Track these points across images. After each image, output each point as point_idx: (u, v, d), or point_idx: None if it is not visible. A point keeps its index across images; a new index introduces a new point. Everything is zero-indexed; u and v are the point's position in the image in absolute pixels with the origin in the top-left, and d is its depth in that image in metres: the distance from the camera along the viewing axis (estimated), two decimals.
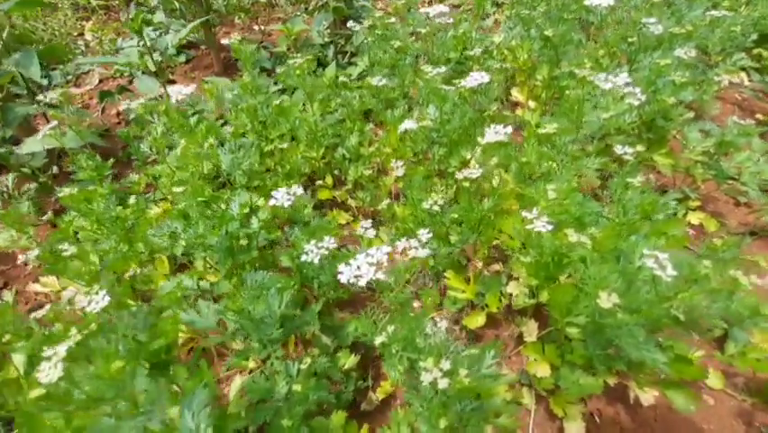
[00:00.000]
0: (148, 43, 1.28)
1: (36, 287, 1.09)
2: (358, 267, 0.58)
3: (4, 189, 1.17)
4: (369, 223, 0.71)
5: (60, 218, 0.95)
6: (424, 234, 0.57)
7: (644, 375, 0.73)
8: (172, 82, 2.32)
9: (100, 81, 2.67)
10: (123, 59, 1.39)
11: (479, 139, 0.76)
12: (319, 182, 1.34)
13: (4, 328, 0.65)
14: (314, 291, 0.85)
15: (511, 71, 1.63)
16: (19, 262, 1.17)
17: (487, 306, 0.81)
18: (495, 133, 0.76)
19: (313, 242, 0.71)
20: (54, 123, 0.97)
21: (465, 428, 0.60)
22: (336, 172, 1.37)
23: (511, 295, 0.84)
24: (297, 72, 1.12)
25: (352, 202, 1.30)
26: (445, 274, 0.81)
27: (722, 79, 1.16)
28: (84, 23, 3.54)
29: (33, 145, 1.18)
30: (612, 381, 0.73)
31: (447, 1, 2.61)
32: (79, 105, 2.29)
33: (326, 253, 0.70)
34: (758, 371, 0.82)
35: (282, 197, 0.71)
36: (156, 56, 2.17)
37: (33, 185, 1.39)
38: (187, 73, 2.43)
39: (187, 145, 1.07)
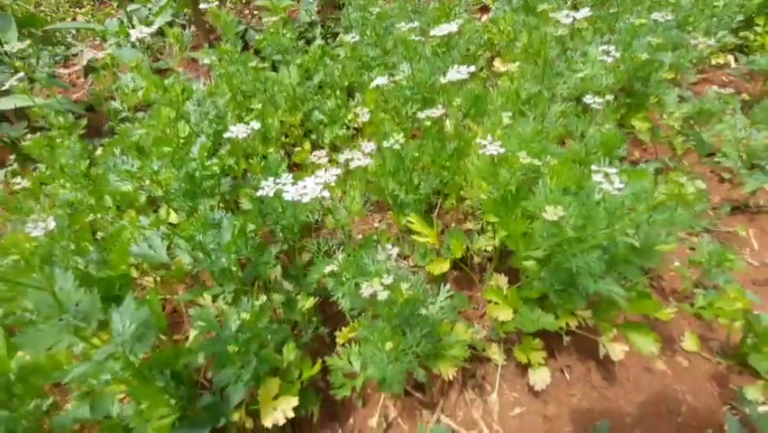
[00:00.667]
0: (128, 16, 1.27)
1: None
2: (304, 186, 0.57)
3: None
4: (323, 152, 0.69)
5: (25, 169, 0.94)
6: (367, 145, 0.56)
7: (605, 317, 0.72)
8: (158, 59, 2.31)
9: (88, 62, 2.67)
10: (100, 28, 1.38)
11: (441, 79, 0.75)
12: (298, 149, 1.33)
13: None
14: (276, 237, 0.83)
15: (497, 47, 1.62)
16: None
17: (451, 253, 0.80)
18: (457, 73, 0.75)
19: (270, 178, 0.70)
20: (21, 74, 0.96)
21: (415, 355, 0.59)
22: (314, 137, 1.36)
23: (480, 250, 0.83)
24: (271, 31, 1.11)
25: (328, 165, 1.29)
26: (409, 219, 0.80)
27: (698, 42, 1.15)
28: (77, 9, 3.55)
29: (5, 103, 1.17)
30: (573, 323, 0.72)
31: None
32: (70, 82, 2.29)
33: (282, 188, 0.69)
34: (723, 318, 0.81)
35: (239, 129, 0.69)
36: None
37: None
38: (172, 51, 2.43)
39: (159, 104, 1.06)
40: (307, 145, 1.35)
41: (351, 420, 0.89)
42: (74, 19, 3.25)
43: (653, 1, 1.17)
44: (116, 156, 0.73)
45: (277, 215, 0.79)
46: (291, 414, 0.65)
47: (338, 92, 1.39)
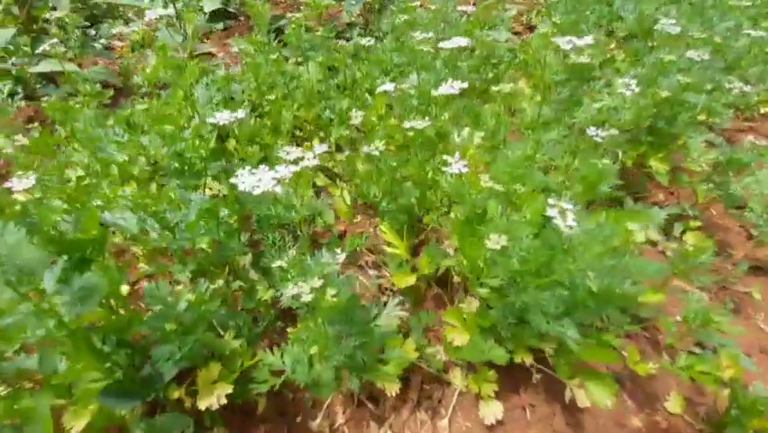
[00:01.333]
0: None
1: None
2: (259, 179, 0.57)
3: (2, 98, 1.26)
4: (296, 149, 0.70)
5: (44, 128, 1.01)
6: (320, 146, 0.56)
7: (565, 360, 0.68)
8: (203, 43, 2.42)
9: (143, 37, 2.83)
10: (147, 3, 1.47)
11: (432, 91, 0.74)
12: (306, 144, 1.35)
13: None
14: (252, 225, 0.85)
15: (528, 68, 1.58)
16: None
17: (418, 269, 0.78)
18: (450, 87, 0.73)
19: (247, 167, 0.71)
20: (54, 40, 1.03)
21: (346, 364, 0.58)
22: (322, 134, 1.37)
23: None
24: (293, 26, 1.14)
25: (335, 168, 1.30)
26: (381, 227, 0.79)
27: (734, 87, 1.07)
28: None
29: (43, 66, 1.26)
30: (529, 360, 0.68)
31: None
32: (118, 56, 2.45)
33: (257, 180, 0.70)
34: (704, 383, 0.75)
35: (222, 116, 0.71)
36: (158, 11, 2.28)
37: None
38: (220, 39, 2.54)
39: (176, 84, 1.10)
40: (316, 141, 1.36)
41: (298, 419, 0.89)
42: None
43: (696, 38, 1.10)
44: (112, 127, 0.77)
45: (251, 204, 0.80)
46: (224, 401, 0.65)
47: (357, 93, 1.40)
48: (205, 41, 2.53)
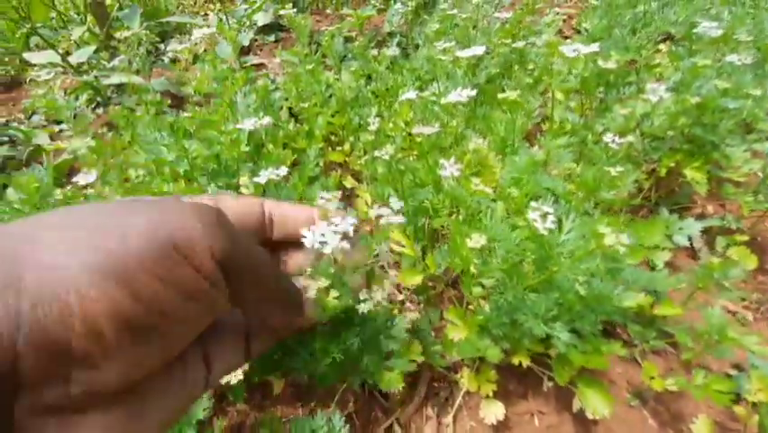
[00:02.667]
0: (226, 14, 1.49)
1: None
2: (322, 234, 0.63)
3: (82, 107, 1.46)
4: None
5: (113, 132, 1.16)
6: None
7: (562, 363, 0.68)
8: (255, 55, 2.61)
9: (204, 50, 3.10)
10: (203, 22, 1.63)
11: (442, 99, 0.77)
12: (339, 148, 1.43)
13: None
14: None
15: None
16: None
17: (427, 267, 0.82)
18: (457, 95, 0.77)
19: (270, 168, 0.79)
20: (122, 57, 1.19)
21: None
22: (351, 140, 1.44)
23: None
24: (327, 38, 1.22)
25: (362, 171, 1.36)
26: (390, 227, 0.83)
27: None
28: (211, 5, 4.13)
29: (114, 78, 1.45)
30: (526, 361, 0.69)
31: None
32: (180, 69, 2.70)
33: (275, 177, 0.77)
34: (715, 402, 0.71)
35: (249, 122, 0.79)
36: (249, 33, 2.47)
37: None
38: (271, 50, 2.71)
39: (222, 94, 1.23)
40: (347, 147, 1.44)
41: (312, 403, 0.95)
42: (206, 14, 3.79)
43: (740, 41, 1.04)
44: (161, 131, 0.88)
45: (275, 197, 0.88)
46: (241, 377, 0.73)
47: (389, 100, 1.45)
48: (258, 52, 2.72)
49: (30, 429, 0.21)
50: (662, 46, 1.53)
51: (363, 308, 0.41)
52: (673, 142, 1.11)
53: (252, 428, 0.89)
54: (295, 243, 0.39)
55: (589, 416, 0.78)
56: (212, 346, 0.34)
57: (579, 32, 2.48)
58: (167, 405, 0.29)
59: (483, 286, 0.64)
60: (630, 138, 0.81)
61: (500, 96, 0.71)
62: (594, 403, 0.64)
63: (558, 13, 2.08)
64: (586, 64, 1.10)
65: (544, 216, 0.51)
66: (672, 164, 1.19)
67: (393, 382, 0.64)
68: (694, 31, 1.05)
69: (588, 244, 0.50)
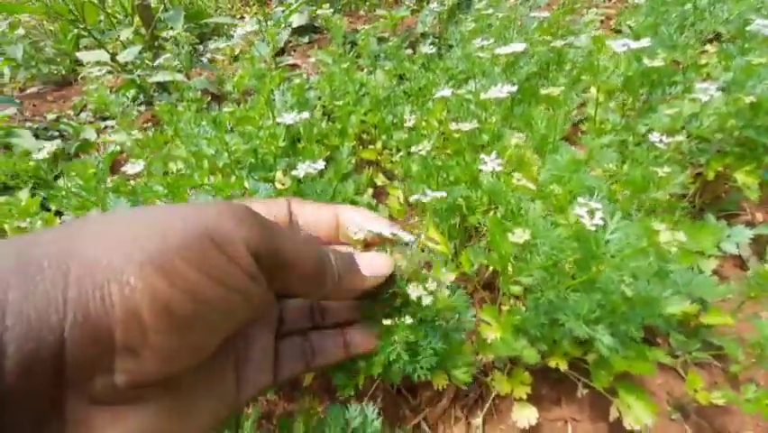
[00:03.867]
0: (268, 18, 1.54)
1: None
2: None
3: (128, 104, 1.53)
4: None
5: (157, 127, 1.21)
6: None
7: (601, 367, 0.66)
8: (289, 55, 2.67)
9: (240, 52, 3.19)
10: (238, 22, 1.68)
11: (481, 95, 0.76)
12: (370, 146, 1.43)
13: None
14: None
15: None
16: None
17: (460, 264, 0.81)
18: (498, 91, 0.76)
19: (307, 162, 0.80)
20: (168, 55, 1.24)
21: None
22: (384, 137, 1.45)
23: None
24: (362, 37, 1.23)
25: (393, 169, 1.36)
26: (424, 224, 0.83)
27: None
28: (247, 8, 4.26)
29: (159, 76, 1.51)
30: (563, 365, 0.67)
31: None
32: (219, 69, 2.79)
33: (313, 171, 0.79)
34: (766, 417, 0.67)
35: (288, 117, 0.81)
36: (284, 35, 2.53)
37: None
38: (305, 51, 2.77)
39: (261, 91, 1.26)
40: (379, 145, 1.44)
41: (341, 397, 0.95)
42: (242, 17, 3.91)
43: None
44: (202, 126, 0.91)
45: (315, 195, 0.89)
46: None
47: (422, 99, 1.45)
48: (292, 53, 2.78)
49: (78, 420, 0.22)
50: (708, 47, 1.47)
51: (426, 300, 0.40)
52: (722, 145, 1.06)
53: (281, 418, 0.90)
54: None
55: (627, 426, 0.74)
56: (242, 365, 0.34)
57: (618, 31, 2.40)
58: (204, 409, 0.29)
59: (521, 285, 0.62)
60: (679, 137, 0.77)
61: (543, 91, 0.70)
62: (636, 411, 0.62)
63: (596, 14, 2.03)
64: (630, 62, 1.06)
65: (592, 212, 0.49)
66: (721, 168, 1.14)
67: (461, 377, 0.63)
68: (747, 28, 1.00)
69: (638, 241, 0.48)
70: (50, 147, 0.57)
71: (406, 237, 0.39)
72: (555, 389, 0.90)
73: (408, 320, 0.40)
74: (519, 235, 0.50)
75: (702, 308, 0.84)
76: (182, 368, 0.25)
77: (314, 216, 0.38)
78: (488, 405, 0.86)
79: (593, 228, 0.48)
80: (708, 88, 0.89)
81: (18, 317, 0.20)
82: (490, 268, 0.93)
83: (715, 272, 1.05)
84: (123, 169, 0.82)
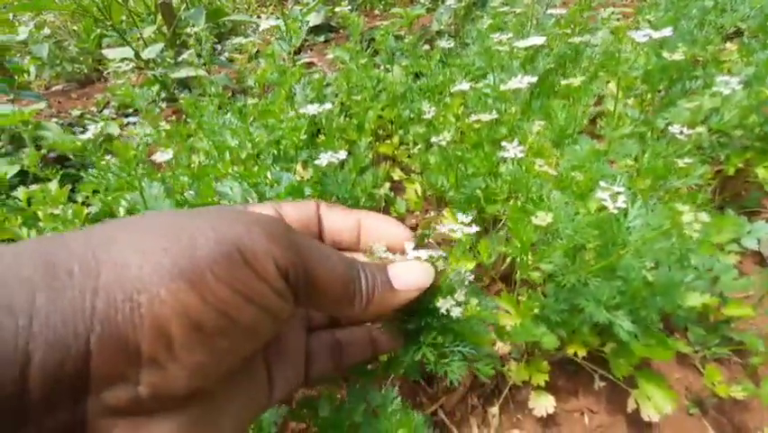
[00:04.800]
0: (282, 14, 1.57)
1: None
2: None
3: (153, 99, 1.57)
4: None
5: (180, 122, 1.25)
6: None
7: (621, 355, 0.66)
8: (305, 54, 2.70)
9: (257, 51, 3.24)
10: (257, 21, 1.71)
11: (500, 86, 0.77)
12: (387, 141, 1.45)
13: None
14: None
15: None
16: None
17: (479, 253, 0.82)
18: (518, 82, 0.77)
19: (330, 152, 0.82)
20: (191, 50, 1.27)
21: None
22: (401, 132, 1.47)
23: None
24: (381, 33, 1.25)
25: (410, 164, 1.38)
26: (444, 213, 0.84)
27: None
28: (263, 8, 4.32)
29: (182, 72, 1.55)
30: (582, 352, 0.68)
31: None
32: (237, 66, 2.85)
33: (335, 161, 0.81)
34: None
35: (311, 108, 0.83)
36: (301, 33, 2.56)
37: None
38: (321, 50, 2.80)
39: (279, 85, 1.29)
40: (396, 139, 1.46)
41: (357, 385, 0.97)
42: (258, 16, 3.97)
43: None
44: (227, 117, 0.94)
45: (335, 185, 0.91)
46: None
47: (438, 96, 1.46)
48: (309, 51, 2.82)
49: (100, 430, 0.21)
50: (728, 44, 1.45)
51: (455, 312, 0.39)
52: (743, 140, 1.05)
53: (299, 402, 0.92)
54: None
55: (645, 418, 0.75)
56: (273, 361, 0.34)
57: (636, 28, 2.38)
58: (233, 416, 0.29)
59: (541, 271, 0.63)
60: (700, 129, 0.77)
61: (564, 82, 0.71)
62: (656, 399, 0.62)
63: (614, 12, 2.02)
64: (649, 57, 1.06)
65: (615, 195, 0.50)
66: (741, 164, 1.13)
67: (485, 372, 0.64)
68: None
69: (660, 225, 0.49)
70: (94, 130, 0.60)
71: (433, 252, 0.37)
72: (572, 380, 0.91)
73: (435, 322, 0.41)
74: (543, 219, 0.51)
75: (722, 301, 0.84)
76: (208, 382, 0.25)
77: (339, 223, 0.38)
78: (504, 394, 0.87)
79: (616, 211, 0.49)
80: (729, 81, 0.89)
81: (45, 324, 0.19)
82: (507, 261, 0.94)
83: (735, 268, 1.04)
84: (153, 157, 0.85)
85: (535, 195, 0.62)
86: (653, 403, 0.62)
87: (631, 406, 0.81)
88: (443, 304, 0.39)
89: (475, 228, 0.48)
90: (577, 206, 0.61)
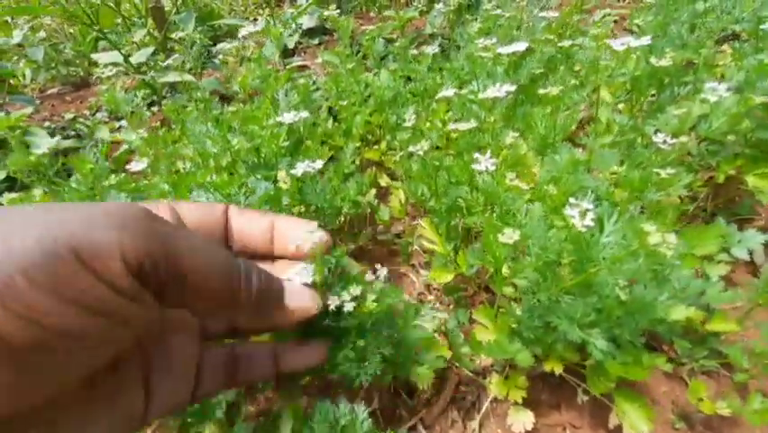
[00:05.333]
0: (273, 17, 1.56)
1: None
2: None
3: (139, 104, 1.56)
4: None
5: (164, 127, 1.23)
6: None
7: (598, 373, 0.64)
8: (299, 57, 2.69)
9: (251, 54, 3.23)
10: (247, 23, 1.70)
11: (479, 95, 0.76)
12: (375, 147, 1.43)
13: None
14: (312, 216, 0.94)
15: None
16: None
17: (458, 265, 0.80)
18: (496, 91, 0.75)
19: (306, 161, 0.81)
20: (177, 56, 1.26)
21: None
22: (389, 138, 1.45)
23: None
24: (367, 38, 1.23)
25: (397, 169, 1.36)
26: (421, 223, 0.82)
27: None
28: (260, 10, 4.31)
29: (169, 76, 1.54)
30: (558, 369, 0.66)
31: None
32: (228, 70, 2.84)
33: (311, 170, 0.79)
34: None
35: (289, 116, 0.82)
36: (295, 36, 2.56)
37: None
38: (314, 52, 2.79)
39: (266, 91, 1.27)
40: (383, 145, 1.44)
41: (338, 398, 0.95)
42: (255, 18, 3.96)
43: None
44: (205, 125, 0.93)
45: (314, 195, 0.89)
46: None
47: (427, 100, 1.45)
48: (302, 54, 2.81)
49: None
50: (725, 47, 1.43)
51: (348, 306, 0.40)
52: (734, 147, 1.02)
53: (276, 414, 0.91)
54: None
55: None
56: (155, 373, 0.30)
57: (631, 32, 2.36)
58: (102, 430, 0.26)
59: (516, 287, 0.61)
60: (683, 138, 0.75)
61: (541, 91, 0.69)
62: (632, 419, 0.60)
63: (609, 14, 1.99)
64: (638, 62, 1.04)
65: (584, 213, 0.48)
66: (732, 171, 1.10)
67: (423, 377, 0.63)
68: (761, 27, 0.97)
69: (631, 243, 0.47)
70: (49, 144, 0.58)
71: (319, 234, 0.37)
72: (555, 394, 0.89)
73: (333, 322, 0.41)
74: (509, 236, 0.50)
75: (708, 314, 0.82)
76: (37, 403, 0.21)
77: (250, 225, 0.35)
78: (485, 408, 0.85)
79: (584, 229, 0.47)
80: (716, 88, 0.87)
81: None
82: (491, 270, 0.92)
83: (726, 279, 1.02)
84: (128, 166, 0.84)
85: (509, 209, 0.61)
86: (629, 422, 0.60)
87: (613, 422, 0.79)
88: (331, 301, 0.40)
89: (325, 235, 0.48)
90: (551, 219, 0.59)
